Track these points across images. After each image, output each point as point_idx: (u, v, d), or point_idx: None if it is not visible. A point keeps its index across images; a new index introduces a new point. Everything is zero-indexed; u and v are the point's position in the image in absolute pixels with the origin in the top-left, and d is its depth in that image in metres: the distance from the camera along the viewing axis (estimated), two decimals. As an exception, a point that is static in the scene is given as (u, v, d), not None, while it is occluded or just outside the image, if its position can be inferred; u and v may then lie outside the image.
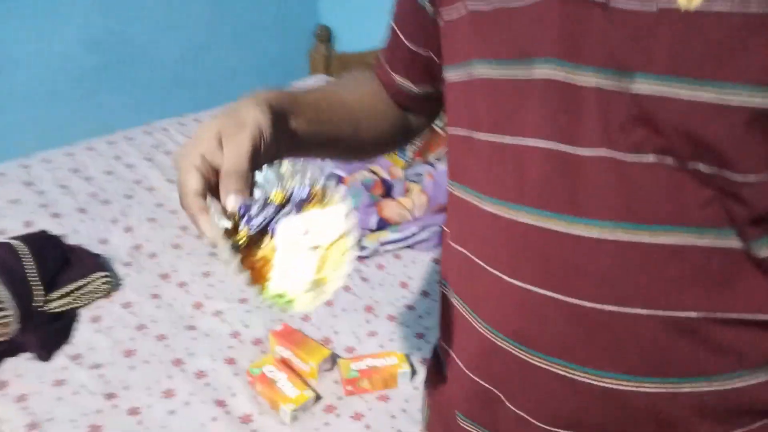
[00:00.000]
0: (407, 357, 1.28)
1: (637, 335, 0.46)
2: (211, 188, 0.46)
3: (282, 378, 1.17)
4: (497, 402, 0.55)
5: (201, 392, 1.18)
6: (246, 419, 1.13)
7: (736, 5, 0.38)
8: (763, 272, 0.46)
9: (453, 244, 0.59)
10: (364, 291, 1.49)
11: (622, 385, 0.47)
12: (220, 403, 1.16)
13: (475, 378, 0.57)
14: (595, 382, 0.48)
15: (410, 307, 1.46)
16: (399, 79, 0.68)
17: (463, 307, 0.58)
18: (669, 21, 0.41)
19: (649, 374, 0.47)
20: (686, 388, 0.47)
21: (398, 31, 0.67)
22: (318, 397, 1.19)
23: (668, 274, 0.45)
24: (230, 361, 1.25)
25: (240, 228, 0.44)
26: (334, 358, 1.26)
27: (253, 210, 0.45)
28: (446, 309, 0.64)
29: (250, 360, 1.26)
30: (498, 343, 0.53)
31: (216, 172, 0.47)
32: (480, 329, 0.55)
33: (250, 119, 0.48)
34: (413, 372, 1.25)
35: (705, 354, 0.46)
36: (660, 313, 0.45)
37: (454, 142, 0.58)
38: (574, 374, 0.48)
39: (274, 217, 0.45)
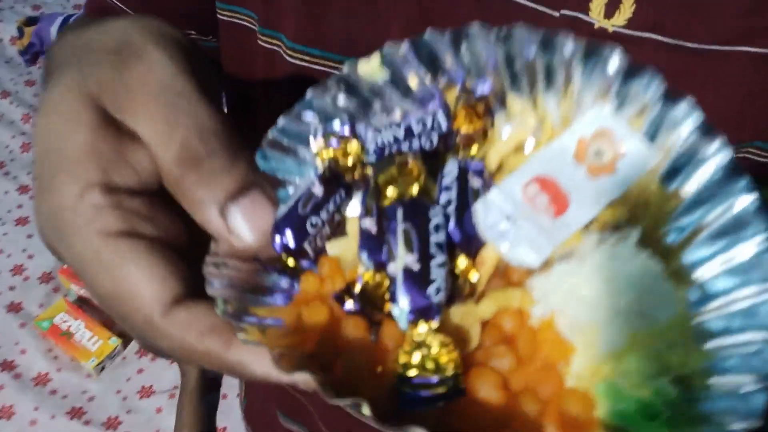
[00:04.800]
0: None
1: None
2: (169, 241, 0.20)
3: (79, 327, 1.00)
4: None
5: (-20, 354, 0.99)
6: (41, 380, 0.98)
7: (674, 31, 0.28)
8: None
9: None
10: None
11: None
12: (7, 365, 0.99)
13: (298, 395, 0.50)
14: None
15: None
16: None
17: None
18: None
19: None
20: None
21: None
22: (131, 337, 1.06)
23: None
24: (14, 308, 1.05)
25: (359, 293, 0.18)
26: (144, 288, 1.10)
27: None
28: None
29: (40, 303, 1.06)
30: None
31: (150, 200, 0.20)
32: None
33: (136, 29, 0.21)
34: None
35: None
36: None
37: None
38: None
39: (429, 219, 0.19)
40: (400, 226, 0.18)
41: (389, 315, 0.18)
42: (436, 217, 0.18)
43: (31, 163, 1.24)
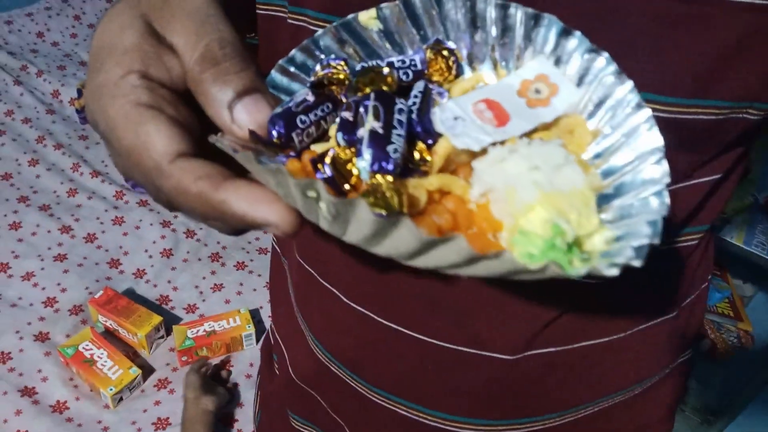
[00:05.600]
0: (253, 314, 1.15)
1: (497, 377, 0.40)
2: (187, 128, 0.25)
3: (101, 356, 1.00)
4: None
5: (3, 379, 0.99)
6: (59, 408, 0.97)
7: None
8: None
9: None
10: (210, 235, 1.32)
11: (478, 428, 0.42)
12: (27, 391, 0.99)
13: (308, 389, 0.50)
14: (448, 427, 0.42)
15: (263, 251, 1.32)
16: None
17: (297, 312, 0.48)
18: None
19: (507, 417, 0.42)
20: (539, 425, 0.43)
21: None
22: (151, 370, 1.05)
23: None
24: (42, 337, 1.07)
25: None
26: (169, 323, 1.11)
27: (310, 117, 0.24)
28: (277, 300, 0.53)
29: (67, 333, 1.07)
30: (332, 368, 0.45)
31: (177, 96, 0.25)
32: (312, 347, 0.46)
33: None
34: (263, 331, 1.13)
35: (562, 390, 0.42)
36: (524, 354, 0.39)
37: None
38: (423, 417, 0.42)
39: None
40: (372, 103, 0.23)
41: (354, 188, 0.22)
42: (400, 104, 0.23)
43: (75, 206, 1.31)
